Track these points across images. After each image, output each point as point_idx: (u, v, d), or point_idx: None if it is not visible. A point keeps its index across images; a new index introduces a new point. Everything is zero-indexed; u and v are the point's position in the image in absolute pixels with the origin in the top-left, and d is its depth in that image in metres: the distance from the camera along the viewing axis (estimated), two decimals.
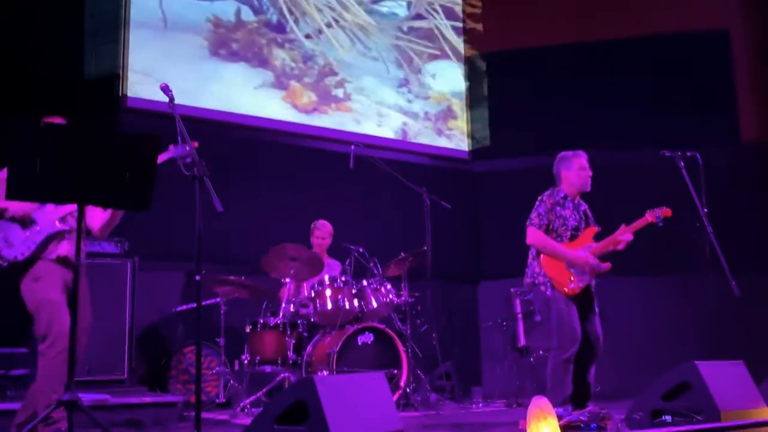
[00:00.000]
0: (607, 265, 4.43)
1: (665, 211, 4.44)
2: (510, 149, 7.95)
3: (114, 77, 6.19)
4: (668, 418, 3.86)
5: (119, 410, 4.51)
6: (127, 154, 3.11)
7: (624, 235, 4.43)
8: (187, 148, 3.45)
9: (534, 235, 4.45)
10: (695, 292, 6.83)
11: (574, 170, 4.54)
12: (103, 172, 3.06)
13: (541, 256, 4.44)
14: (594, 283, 4.50)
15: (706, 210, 4.50)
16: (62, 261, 3.59)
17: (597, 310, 4.48)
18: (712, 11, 7.85)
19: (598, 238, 4.52)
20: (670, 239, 5.95)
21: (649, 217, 4.44)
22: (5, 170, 3.26)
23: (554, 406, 3.48)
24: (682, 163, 4.59)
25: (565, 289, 4.36)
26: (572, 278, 4.37)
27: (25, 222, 3.52)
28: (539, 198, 4.54)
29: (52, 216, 3.56)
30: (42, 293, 3.50)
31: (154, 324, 5.98)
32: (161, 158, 3.58)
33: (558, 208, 4.49)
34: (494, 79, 8.30)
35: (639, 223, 4.45)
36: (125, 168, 3.10)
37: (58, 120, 3.67)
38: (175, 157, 3.47)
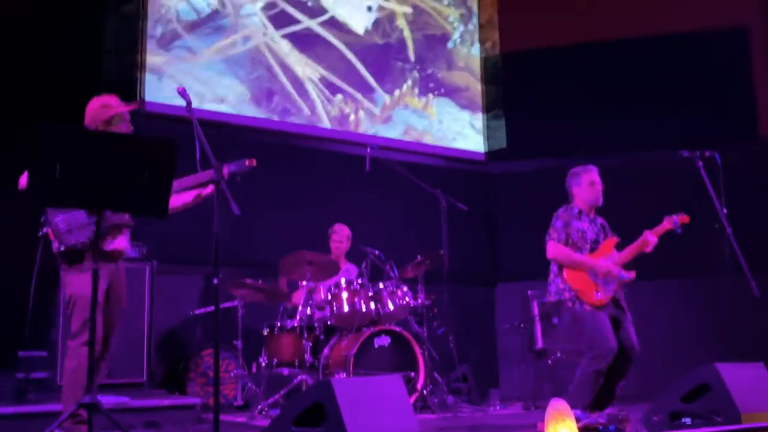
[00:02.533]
0: (631, 275, 4.39)
1: (683, 218, 4.41)
2: (526, 150, 7.92)
3: (132, 80, 6.25)
4: (688, 420, 3.83)
5: (138, 413, 4.54)
6: (144, 158, 3.13)
7: (650, 238, 4.40)
8: (246, 164, 3.47)
9: (554, 249, 4.43)
10: (715, 294, 6.75)
11: (585, 186, 4.53)
12: (121, 176, 3.07)
13: (564, 270, 4.41)
14: (622, 294, 4.46)
15: (725, 210, 4.45)
16: (112, 256, 3.55)
17: (629, 315, 4.43)
18: (731, 9, 7.78)
19: (619, 248, 4.49)
20: (690, 241, 5.89)
21: (667, 224, 4.41)
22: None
23: (572, 408, 3.46)
24: (701, 163, 4.55)
25: (592, 299, 4.32)
26: (598, 289, 4.34)
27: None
28: (555, 214, 4.54)
29: None
30: (84, 290, 3.40)
31: (172, 327, 6.03)
32: (209, 176, 3.55)
33: (575, 222, 4.48)
34: (511, 80, 8.27)
35: (659, 229, 4.43)
36: (143, 173, 3.11)
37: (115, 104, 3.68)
38: (235, 172, 3.49)
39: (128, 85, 6.22)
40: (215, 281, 3.38)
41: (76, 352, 3.42)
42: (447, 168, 7.82)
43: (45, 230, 3.46)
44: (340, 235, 6.11)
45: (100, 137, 3.31)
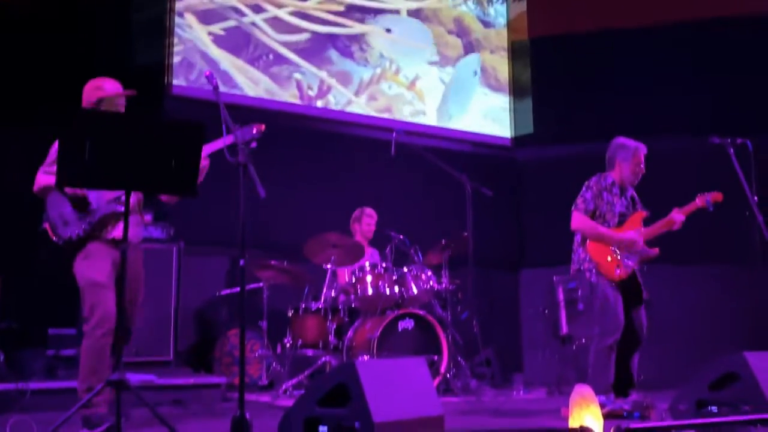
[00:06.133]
0: (655, 251, 4.37)
1: (716, 196, 4.35)
2: (553, 136, 7.84)
3: (160, 65, 6.29)
4: (714, 408, 3.79)
5: (165, 390, 4.62)
6: (172, 141, 3.16)
7: (677, 216, 4.36)
8: (254, 131, 3.46)
9: (579, 220, 4.40)
10: (745, 282, 6.68)
11: (632, 164, 4.46)
12: (149, 158, 3.10)
13: (587, 242, 4.39)
14: (639, 270, 4.44)
15: (756, 198, 4.39)
16: (116, 242, 3.61)
17: (645, 296, 4.41)
18: None
19: (646, 222, 4.45)
20: (720, 228, 5.83)
21: (699, 201, 4.36)
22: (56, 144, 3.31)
23: (596, 393, 3.45)
24: (732, 150, 4.48)
25: (611, 275, 4.30)
26: (618, 264, 4.32)
27: (79, 201, 3.56)
28: (586, 183, 4.48)
29: (106, 196, 3.59)
30: (89, 273, 3.54)
31: (199, 307, 6.10)
32: (224, 142, 3.56)
33: (605, 194, 4.43)
34: (538, 65, 8.18)
35: (689, 207, 4.38)
36: (171, 155, 3.14)
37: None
38: (238, 142, 3.42)
39: (157, 69, 6.27)
40: (241, 263, 3.41)
41: (89, 335, 3.51)
42: (473, 153, 7.78)
43: (44, 224, 3.57)
44: (372, 219, 6.13)
45: (129, 120, 3.34)
